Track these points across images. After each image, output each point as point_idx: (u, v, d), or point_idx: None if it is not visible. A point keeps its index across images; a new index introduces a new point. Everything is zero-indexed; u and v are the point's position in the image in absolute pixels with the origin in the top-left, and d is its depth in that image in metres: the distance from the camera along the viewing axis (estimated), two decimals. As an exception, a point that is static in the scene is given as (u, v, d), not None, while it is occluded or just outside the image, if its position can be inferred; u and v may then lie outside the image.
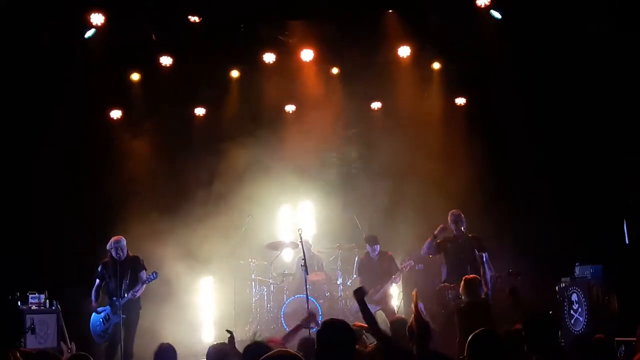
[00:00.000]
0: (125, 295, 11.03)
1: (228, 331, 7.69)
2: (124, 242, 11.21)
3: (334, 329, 5.29)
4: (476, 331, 5.47)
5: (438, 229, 11.57)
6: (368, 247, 12.96)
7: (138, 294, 11.19)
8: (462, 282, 9.58)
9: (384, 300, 12.73)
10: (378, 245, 12.91)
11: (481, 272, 10.31)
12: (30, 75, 12.76)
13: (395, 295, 13.52)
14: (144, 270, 11.35)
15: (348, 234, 14.25)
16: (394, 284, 13.01)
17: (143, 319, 11.48)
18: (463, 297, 9.56)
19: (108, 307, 11.11)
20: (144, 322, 11.58)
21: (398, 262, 13.13)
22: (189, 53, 13.86)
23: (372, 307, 12.32)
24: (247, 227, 14.01)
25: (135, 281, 11.18)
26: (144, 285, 11.20)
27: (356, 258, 13.69)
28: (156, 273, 11.29)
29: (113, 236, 11.31)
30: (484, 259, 10.52)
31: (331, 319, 5.56)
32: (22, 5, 12.02)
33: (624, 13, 11.73)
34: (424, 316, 6.69)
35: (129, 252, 11.28)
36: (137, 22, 13.16)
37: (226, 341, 7.57)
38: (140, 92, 14.32)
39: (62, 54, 12.87)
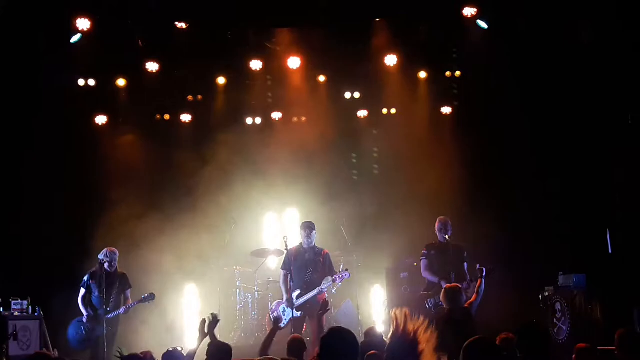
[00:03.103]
0: (115, 309, 11.04)
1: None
2: (117, 254, 11.29)
3: (340, 337, 5.27)
4: (472, 338, 5.44)
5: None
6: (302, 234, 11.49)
7: (129, 311, 11.21)
8: (443, 291, 9.63)
9: (311, 312, 11.11)
10: (313, 233, 11.43)
11: (477, 285, 10.30)
12: (15, 79, 12.72)
13: (380, 303, 13.53)
14: (130, 289, 11.36)
15: (334, 242, 14.21)
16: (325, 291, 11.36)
17: (127, 325, 11.44)
18: (444, 305, 9.59)
19: (89, 318, 11.08)
20: (128, 328, 11.54)
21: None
22: (175, 59, 13.85)
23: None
24: (232, 234, 14.00)
25: (121, 296, 11.17)
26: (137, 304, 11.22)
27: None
28: (153, 295, 11.26)
29: (107, 247, 11.33)
30: (483, 273, 10.45)
31: (339, 327, 5.54)
32: (8, 9, 11.98)
33: (610, 20, 11.82)
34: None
35: (118, 267, 11.30)
36: (123, 28, 13.14)
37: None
38: (125, 98, 14.27)
39: (48, 59, 12.83)
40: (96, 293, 11.14)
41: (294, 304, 11.06)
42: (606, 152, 12.24)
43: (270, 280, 13.74)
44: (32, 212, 13.11)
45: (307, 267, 11.30)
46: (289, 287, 11.26)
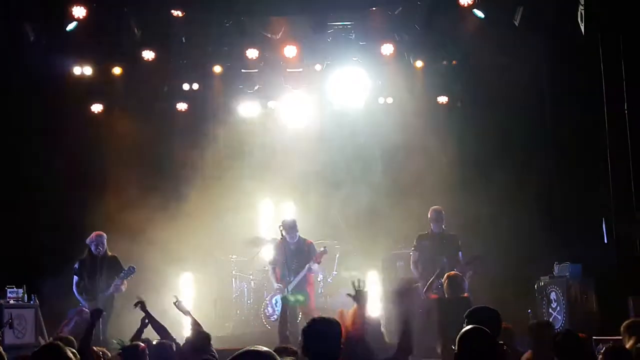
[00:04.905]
0: (106, 291, 11.01)
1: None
2: (104, 238, 11.25)
3: (320, 327, 5.25)
4: (468, 327, 5.44)
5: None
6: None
7: (119, 290, 11.13)
8: (445, 279, 9.65)
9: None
10: (296, 232, 11.77)
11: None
12: (10, 68, 12.68)
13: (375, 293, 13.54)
14: (122, 271, 11.34)
15: (330, 231, 14.23)
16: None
17: (121, 315, 11.44)
18: (445, 293, 9.62)
19: (82, 305, 11.07)
20: (122, 318, 11.54)
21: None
22: (171, 47, 13.80)
23: None
24: (228, 223, 13.98)
25: (113, 280, 11.13)
26: (124, 281, 11.16)
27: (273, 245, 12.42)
28: (133, 267, 11.23)
29: (94, 231, 11.33)
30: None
31: (321, 317, 5.52)
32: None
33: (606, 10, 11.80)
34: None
35: (109, 251, 11.26)
36: (119, 16, 13.08)
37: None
38: (121, 86, 14.22)
39: (43, 47, 12.78)
40: (86, 279, 11.16)
41: (287, 287, 11.51)
42: (602, 141, 12.23)
43: (266, 269, 13.73)
44: (28, 200, 13.11)
45: (293, 257, 11.64)
46: (277, 277, 11.73)
